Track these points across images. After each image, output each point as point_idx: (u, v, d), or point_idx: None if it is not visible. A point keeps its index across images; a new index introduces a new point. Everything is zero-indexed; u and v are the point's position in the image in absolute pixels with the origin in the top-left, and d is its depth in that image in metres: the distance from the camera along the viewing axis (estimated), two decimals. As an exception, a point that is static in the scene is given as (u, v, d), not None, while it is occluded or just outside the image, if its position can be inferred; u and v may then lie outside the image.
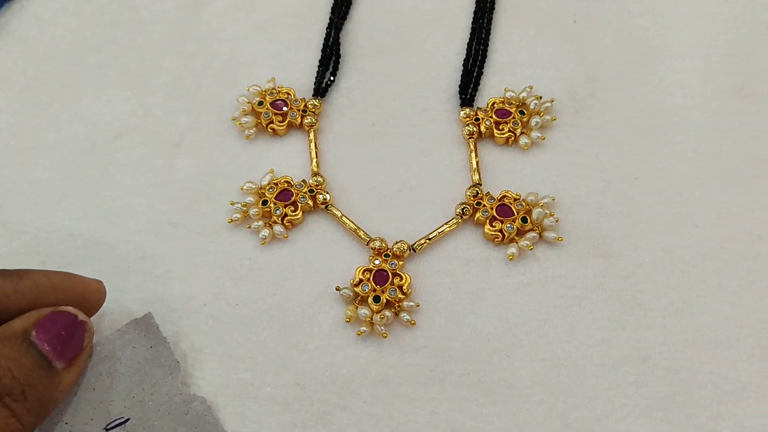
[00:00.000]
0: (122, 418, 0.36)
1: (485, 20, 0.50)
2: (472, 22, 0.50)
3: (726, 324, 0.39)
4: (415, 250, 0.42)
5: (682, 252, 0.41)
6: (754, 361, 0.38)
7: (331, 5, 0.51)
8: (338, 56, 0.49)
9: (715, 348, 0.39)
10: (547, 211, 0.42)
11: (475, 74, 0.48)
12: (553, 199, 0.43)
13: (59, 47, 0.51)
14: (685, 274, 0.41)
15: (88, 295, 0.37)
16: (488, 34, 0.49)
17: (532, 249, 0.41)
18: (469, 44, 0.49)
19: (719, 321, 0.39)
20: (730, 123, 0.46)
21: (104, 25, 0.51)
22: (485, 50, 0.49)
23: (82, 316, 0.35)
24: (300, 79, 0.49)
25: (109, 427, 0.36)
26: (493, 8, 0.51)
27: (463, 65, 0.48)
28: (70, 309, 0.35)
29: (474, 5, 0.51)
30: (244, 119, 0.46)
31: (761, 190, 0.43)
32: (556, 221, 0.42)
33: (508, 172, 0.45)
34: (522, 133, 0.45)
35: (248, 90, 0.48)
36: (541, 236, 0.42)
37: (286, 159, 0.46)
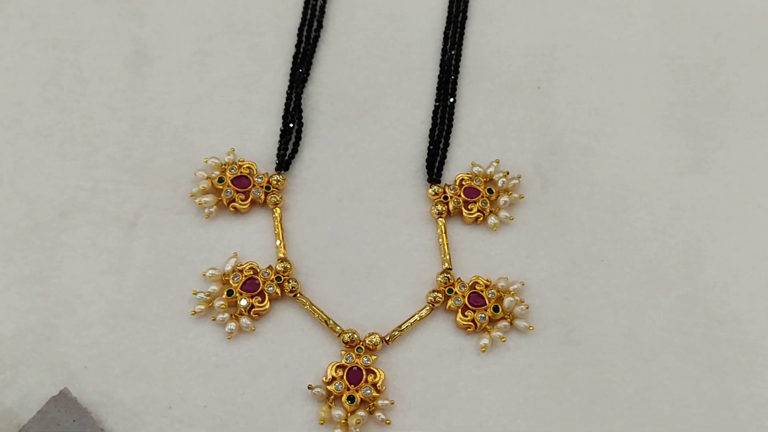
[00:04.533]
0: None
1: (450, 87, 0.49)
2: (437, 89, 0.49)
3: (687, 413, 0.41)
4: (387, 342, 0.41)
5: (644, 337, 0.43)
6: (713, 450, 0.40)
7: (290, 65, 0.49)
8: (300, 124, 0.47)
9: (677, 438, 0.40)
10: (517, 299, 0.42)
11: (441, 147, 0.47)
12: (523, 284, 0.43)
13: (-8, 109, 0.46)
14: (647, 361, 0.42)
15: None
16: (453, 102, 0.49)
17: (504, 341, 0.42)
18: (434, 113, 0.48)
19: (681, 410, 0.41)
20: (687, 199, 0.47)
21: (43, 83, 0.47)
22: (451, 121, 0.48)
23: None
24: (260, 148, 0.47)
25: None
26: (458, 73, 0.50)
27: (429, 137, 0.47)
28: None
29: (438, 68, 0.50)
30: (204, 198, 0.44)
31: (718, 272, 0.44)
32: (527, 308, 0.42)
33: (477, 253, 0.45)
34: (491, 212, 0.45)
35: (206, 162, 0.45)
36: (512, 324, 0.42)
37: (250, 239, 0.44)
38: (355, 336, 0.41)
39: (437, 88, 0.49)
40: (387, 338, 0.41)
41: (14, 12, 0.49)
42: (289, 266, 0.42)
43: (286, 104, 0.48)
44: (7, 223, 0.43)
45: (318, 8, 0.51)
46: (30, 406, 0.39)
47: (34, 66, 0.48)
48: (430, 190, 0.45)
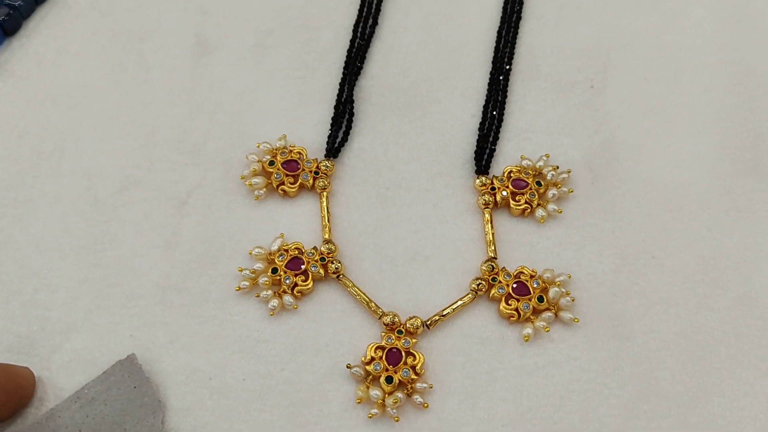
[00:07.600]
0: None
1: (502, 83, 0.49)
2: (489, 84, 0.49)
3: (740, 415, 0.39)
4: (428, 327, 0.41)
5: (697, 337, 0.41)
6: (769, 457, 0.38)
7: (344, 59, 0.50)
8: (351, 114, 0.48)
9: (730, 441, 0.38)
10: (563, 290, 0.42)
11: (490, 140, 0.47)
12: (569, 277, 0.42)
13: (61, 91, 0.49)
14: (700, 360, 0.40)
15: (22, 383, 0.38)
16: (504, 97, 0.49)
17: (548, 330, 0.41)
18: (485, 107, 0.48)
19: (734, 412, 0.39)
20: (745, 201, 0.45)
21: (108, 69, 0.50)
22: (501, 115, 0.48)
23: None
24: (311, 136, 0.48)
25: None
26: (510, 69, 0.50)
27: (479, 130, 0.47)
28: None
29: (490, 65, 0.50)
30: (255, 180, 0.45)
31: (776, 275, 0.43)
32: (573, 301, 0.41)
33: (523, 245, 0.44)
34: (539, 205, 0.45)
35: (258, 147, 0.46)
36: (556, 316, 0.41)
37: (297, 222, 0.45)
38: (396, 319, 0.41)
39: (489, 83, 0.49)
40: (428, 323, 0.41)
41: (86, 2, 0.52)
42: (333, 248, 0.43)
43: (338, 94, 0.48)
44: (67, 197, 0.45)
45: (374, 5, 0.52)
46: (75, 371, 0.40)
47: (101, 53, 0.50)
48: (477, 181, 0.45)
